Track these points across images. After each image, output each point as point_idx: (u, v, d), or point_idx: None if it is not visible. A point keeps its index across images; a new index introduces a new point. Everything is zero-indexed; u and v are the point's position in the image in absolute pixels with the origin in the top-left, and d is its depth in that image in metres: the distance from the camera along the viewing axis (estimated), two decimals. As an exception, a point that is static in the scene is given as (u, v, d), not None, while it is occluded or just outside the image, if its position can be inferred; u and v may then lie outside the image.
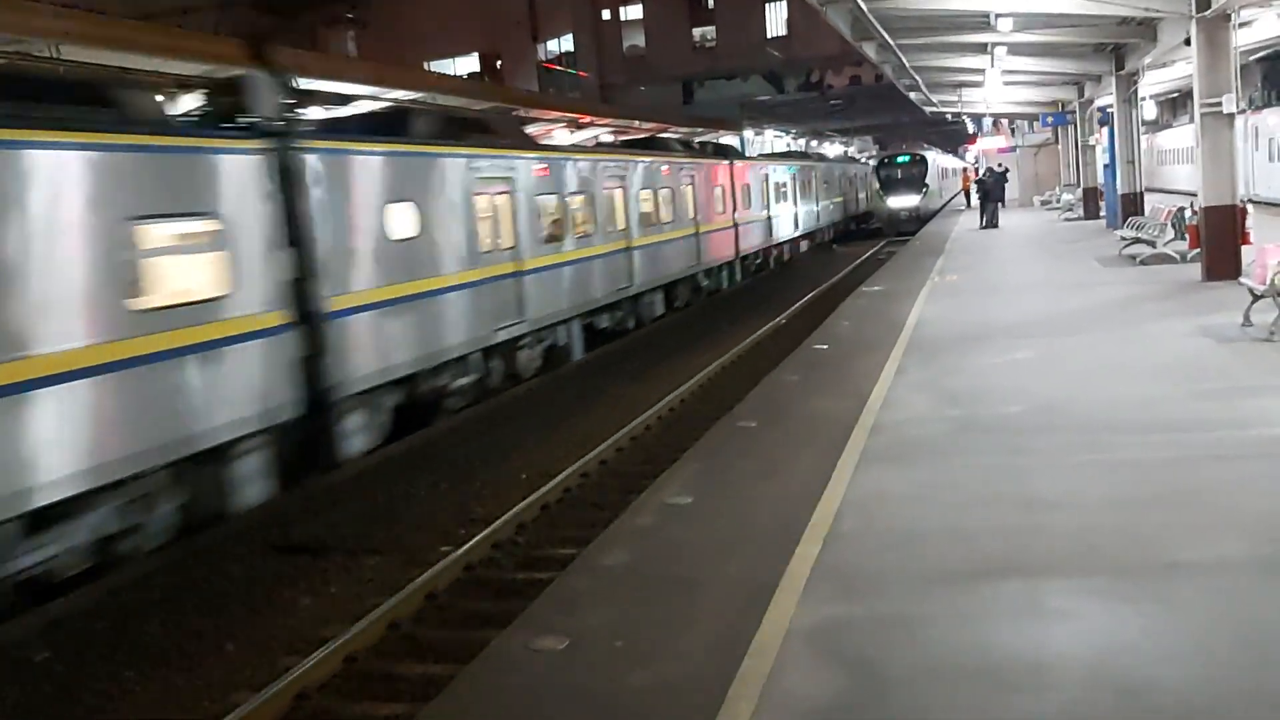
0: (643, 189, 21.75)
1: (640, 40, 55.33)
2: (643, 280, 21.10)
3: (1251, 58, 31.79)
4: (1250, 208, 18.96)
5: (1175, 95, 47.78)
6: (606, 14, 55.39)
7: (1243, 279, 14.62)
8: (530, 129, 23.47)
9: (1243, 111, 20.83)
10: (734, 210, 28.73)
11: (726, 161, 29.09)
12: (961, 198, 57.94)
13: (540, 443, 13.85)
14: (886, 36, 23.52)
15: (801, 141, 53.59)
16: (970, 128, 61.99)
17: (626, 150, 23.79)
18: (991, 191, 37.55)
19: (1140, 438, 8.98)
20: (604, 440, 13.22)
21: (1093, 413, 9.96)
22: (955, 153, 76.59)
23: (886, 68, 32.76)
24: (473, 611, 8.57)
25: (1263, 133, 34.39)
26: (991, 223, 36.74)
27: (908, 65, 30.39)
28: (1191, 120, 27.16)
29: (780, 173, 35.35)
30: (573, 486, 11.73)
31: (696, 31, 54.44)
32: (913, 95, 42.64)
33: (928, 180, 50.77)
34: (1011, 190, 45.55)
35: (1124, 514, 7.16)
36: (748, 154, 36.42)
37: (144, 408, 8.87)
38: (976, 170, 53.92)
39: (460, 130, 15.62)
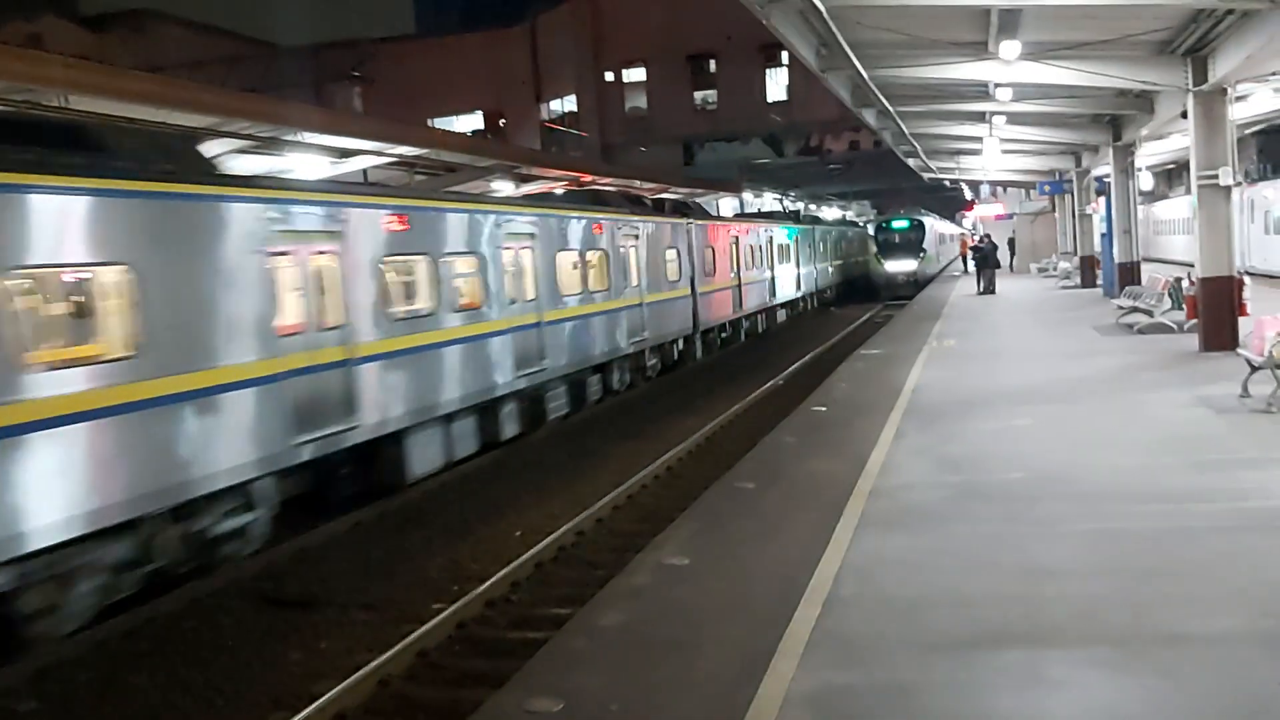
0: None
1: (642, 101, 55.95)
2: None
3: (1247, 131, 32.14)
4: (1247, 279, 19.05)
5: (1172, 166, 48.26)
6: (609, 75, 56.02)
7: (1240, 350, 14.65)
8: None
9: (1239, 184, 21.02)
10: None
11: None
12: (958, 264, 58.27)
13: (535, 500, 13.78)
14: (886, 104, 23.78)
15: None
16: (968, 194, 62.52)
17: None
18: (989, 258, 37.77)
19: (1140, 507, 8.95)
20: (600, 499, 13.16)
21: (1092, 481, 9.94)
22: (953, 219, 77.19)
23: (885, 134, 33.09)
24: (465, 670, 8.47)
25: (1259, 206, 34.68)
26: (989, 289, 36.93)
27: (907, 132, 30.71)
28: (1188, 191, 27.39)
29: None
30: (568, 545, 11.66)
31: (698, 94, 55.12)
32: (911, 161, 43.04)
33: (925, 245, 51.10)
34: (1003, 258, 45.65)
35: (1124, 584, 7.12)
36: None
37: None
38: (973, 236, 54.26)
39: None
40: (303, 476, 11.78)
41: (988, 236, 41.46)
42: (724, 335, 30.12)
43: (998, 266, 38.28)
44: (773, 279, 35.14)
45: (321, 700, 7.62)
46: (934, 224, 56.86)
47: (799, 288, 39.70)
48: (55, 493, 8.38)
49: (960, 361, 19.60)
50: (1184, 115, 18.55)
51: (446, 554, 11.66)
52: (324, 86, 49.21)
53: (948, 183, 55.17)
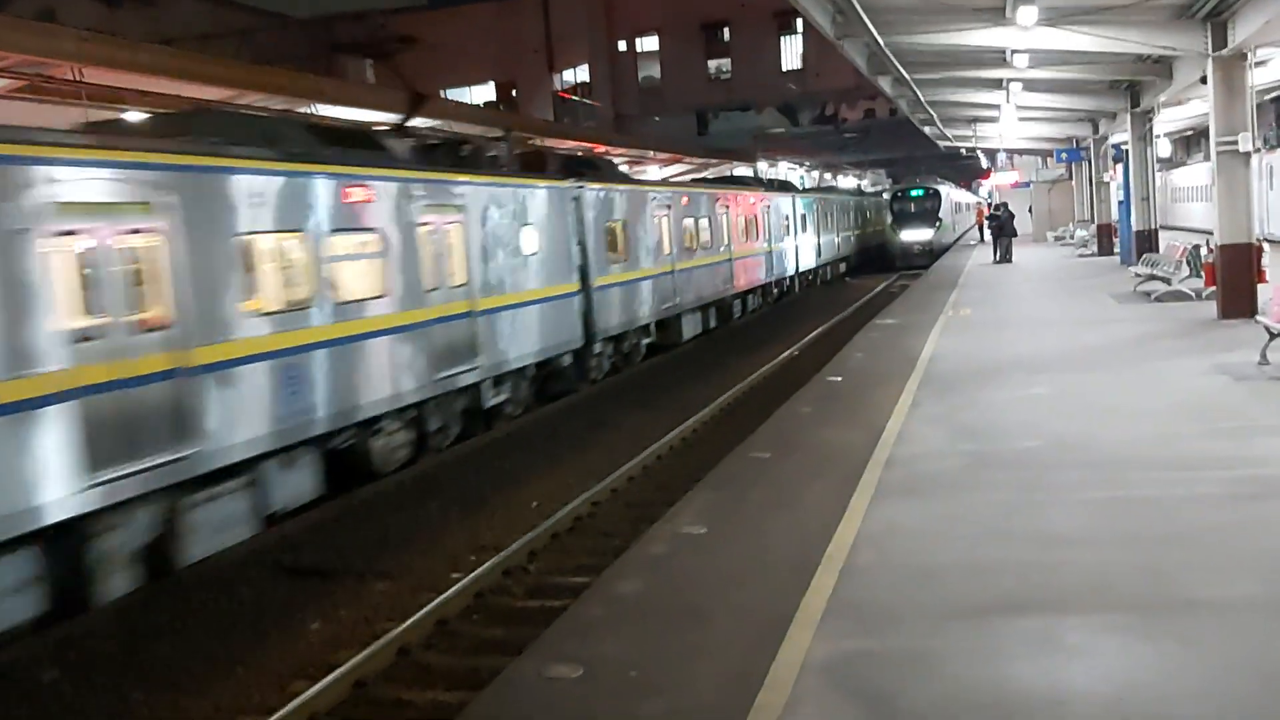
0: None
1: (656, 71, 55.61)
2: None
3: (1267, 97, 31.80)
4: (1266, 246, 18.92)
5: (1190, 133, 47.84)
6: (622, 45, 55.69)
7: (1259, 317, 14.57)
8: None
9: (1258, 150, 20.82)
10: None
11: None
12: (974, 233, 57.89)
13: (551, 471, 13.81)
14: (902, 71, 23.60)
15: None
16: (984, 162, 62.08)
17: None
18: (1005, 226, 37.55)
19: (1157, 475, 8.93)
20: (615, 469, 13.19)
21: (1109, 449, 9.91)
22: (969, 187, 76.74)
23: (901, 102, 32.86)
24: (484, 638, 8.52)
25: (1277, 172, 34.35)
26: (1005, 258, 36.76)
27: (923, 99, 30.49)
28: (1206, 158, 27.07)
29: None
30: (584, 515, 11.69)
31: (712, 63, 54.66)
32: (927, 129, 42.76)
33: (941, 214, 50.80)
34: (1023, 226, 45.29)
35: (1141, 551, 7.11)
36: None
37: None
38: (990, 205, 53.92)
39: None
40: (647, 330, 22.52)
41: (1004, 205, 41.16)
42: (809, 278, 39.45)
43: (1014, 235, 38.03)
44: (836, 239, 44.26)
45: (342, 668, 7.68)
46: (950, 192, 56.51)
47: (852, 246, 48.02)
48: (612, 318, 19.84)
49: (976, 330, 19.55)
50: (1203, 81, 18.37)
51: (463, 524, 11.71)
52: (336, 59, 49.06)
53: (964, 151, 54.77)
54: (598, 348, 19.28)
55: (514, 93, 57.64)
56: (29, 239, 8.16)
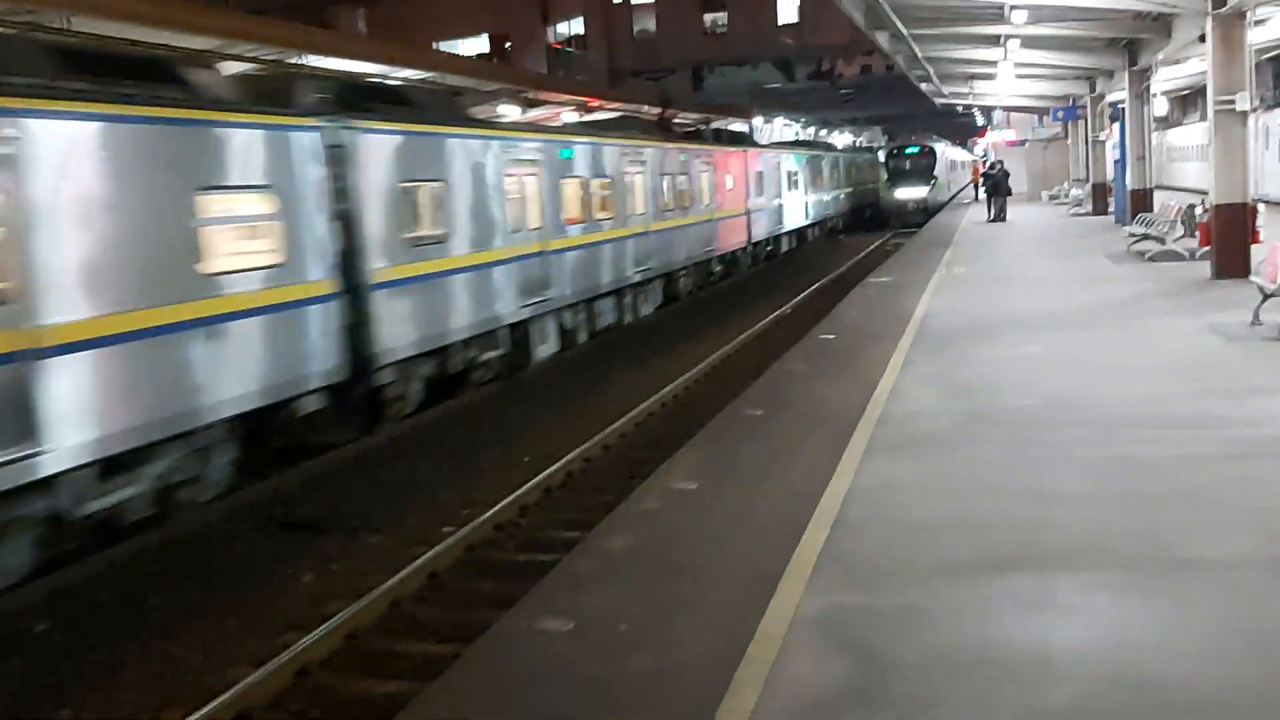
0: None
1: (651, 25, 55.06)
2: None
3: (1264, 57, 31.62)
4: (1260, 206, 18.87)
5: (1187, 92, 47.60)
6: (618, -3, 55.11)
7: (1253, 277, 14.56)
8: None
9: (1255, 110, 20.71)
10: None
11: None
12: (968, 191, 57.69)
13: (542, 427, 13.80)
14: (900, 26, 23.43)
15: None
16: (980, 120, 61.76)
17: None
18: (1000, 184, 37.39)
19: (1150, 433, 8.93)
20: (607, 425, 13.18)
21: (1102, 408, 9.91)
22: (965, 145, 76.40)
23: (899, 58, 32.62)
24: (475, 592, 8.54)
25: (1273, 133, 34.24)
26: (999, 216, 36.65)
27: (920, 56, 30.28)
28: (1203, 118, 26.93)
29: None
30: (575, 470, 11.69)
31: (708, 17, 54.10)
32: (924, 86, 42.49)
33: (936, 172, 50.60)
34: (1018, 184, 45.13)
35: (1135, 510, 7.12)
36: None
37: None
38: (985, 163, 53.69)
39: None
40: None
41: (1000, 163, 40.93)
42: (848, 214, 48.72)
43: (1009, 194, 37.87)
44: (868, 187, 53.25)
45: (334, 620, 7.69)
46: (945, 150, 56.27)
47: (869, 196, 53.75)
48: (758, 232, 31.97)
49: (970, 289, 19.52)
50: (1201, 39, 18.23)
51: (455, 480, 11.71)
52: (328, 9, 48.47)
53: (960, 108, 54.46)
54: (750, 249, 31.04)
55: (507, 45, 57.07)
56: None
